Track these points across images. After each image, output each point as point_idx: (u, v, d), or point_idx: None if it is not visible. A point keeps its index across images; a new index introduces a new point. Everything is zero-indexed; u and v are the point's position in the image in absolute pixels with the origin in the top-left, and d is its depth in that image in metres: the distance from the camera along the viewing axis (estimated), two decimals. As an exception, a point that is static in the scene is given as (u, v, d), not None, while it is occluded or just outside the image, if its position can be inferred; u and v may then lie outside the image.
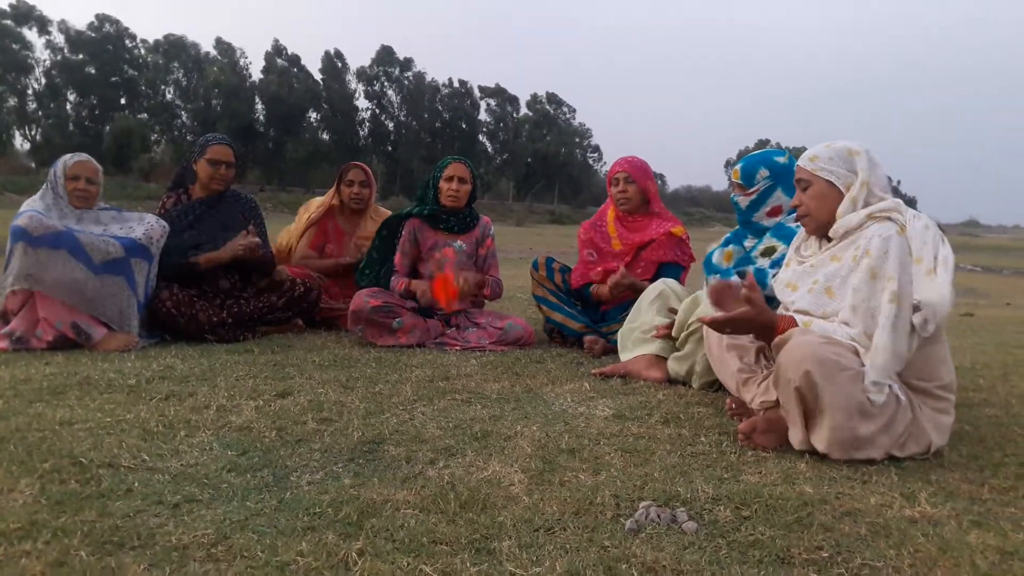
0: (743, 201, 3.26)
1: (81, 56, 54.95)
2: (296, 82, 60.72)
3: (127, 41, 57.11)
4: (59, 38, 54.84)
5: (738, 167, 3.28)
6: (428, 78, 68.11)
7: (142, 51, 57.67)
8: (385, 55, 65.48)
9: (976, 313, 7.71)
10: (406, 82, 66.19)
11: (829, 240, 2.42)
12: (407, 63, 66.55)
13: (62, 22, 55.46)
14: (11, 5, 52.15)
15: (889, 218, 2.27)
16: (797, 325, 2.28)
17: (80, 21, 58.76)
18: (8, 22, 51.74)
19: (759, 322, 2.32)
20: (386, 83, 65.98)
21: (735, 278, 2.94)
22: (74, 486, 1.83)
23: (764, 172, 3.22)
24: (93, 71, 54.65)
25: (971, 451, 2.36)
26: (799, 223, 2.55)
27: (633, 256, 4.02)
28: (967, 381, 3.47)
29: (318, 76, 63.27)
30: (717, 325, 2.36)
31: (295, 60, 62.42)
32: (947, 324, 2.29)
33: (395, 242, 4.21)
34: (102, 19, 56.19)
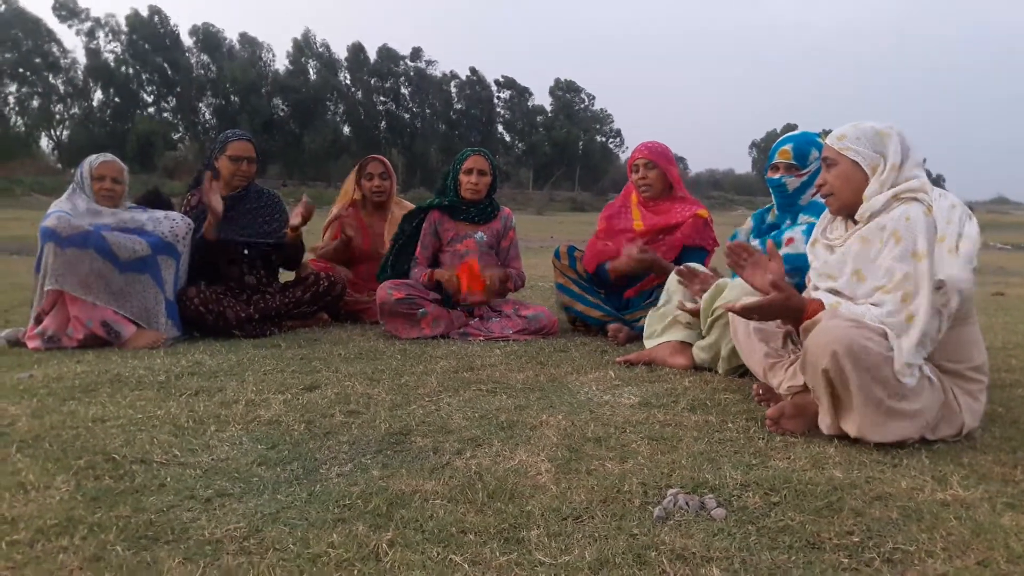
0: (793, 183, 3.18)
1: (116, 49, 55.60)
2: (316, 75, 61.07)
3: (167, 37, 57.57)
4: (100, 33, 55.46)
5: (788, 147, 3.18)
6: (439, 69, 68.32)
7: (185, 41, 58.19)
8: (388, 51, 65.65)
9: (1007, 292, 7.59)
10: (416, 74, 66.34)
11: (855, 223, 2.39)
12: (415, 53, 66.63)
13: (110, 15, 56.07)
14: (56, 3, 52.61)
15: (916, 198, 2.23)
16: (825, 308, 2.26)
17: (127, 12, 59.09)
18: (38, 14, 52.23)
19: (788, 307, 2.28)
20: (397, 77, 66.13)
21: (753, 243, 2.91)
22: (108, 482, 1.86)
23: (815, 153, 3.15)
24: (127, 64, 55.16)
25: (1004, 432, 2.33)
26: (825, 202, 2.50)
27: (653, 239, 3.98)
28: (999, 361, 3.42)
29: (338, 69, 63.61)
30: (745, 312, 2.33)
31: (318, 54, 62.74)
32: (978, 304, 2.25)
33: (417, 236, 4.22)
34: (153, 10, 56.62)
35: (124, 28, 55.67)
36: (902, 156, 2.28)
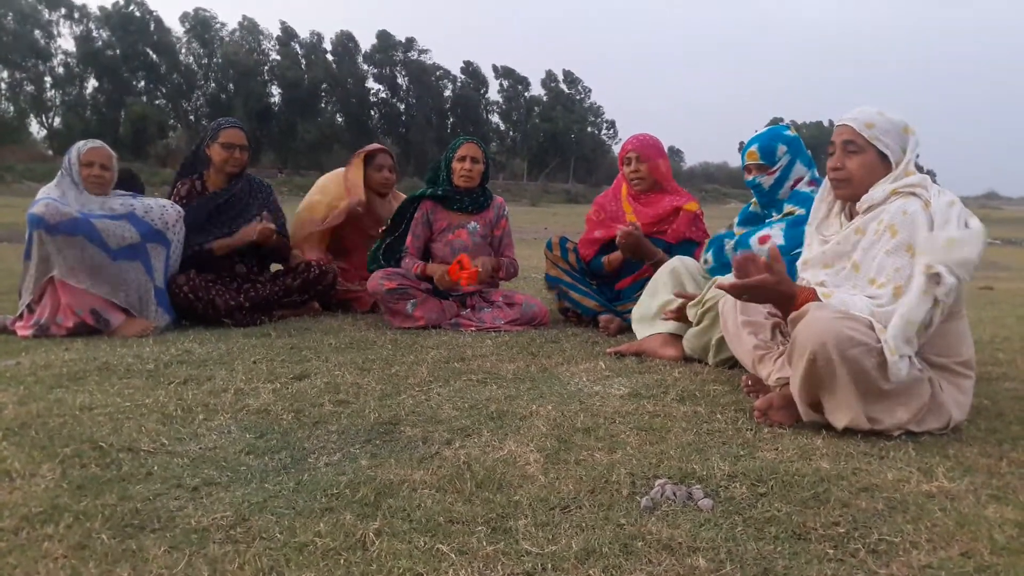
0: (767, 181, 3.21)
1: (104, 36, 55.06)
2: (308, 65, 60.83)
3: (151, 24, 57.09)
4: (83, 20, 54.99)
5: (754, 148, 3.21)
6: (433, 59, 68.22)
7: (172, 29, 57.82)
8: (386, 38, 65.41)
9: (996, 286, 7.62)
10: (411, 63, 66.21)
11: (849, 216, 2.39)
12: (408, 43, 66.43)
13: (83, 6, 55.49)
14: None
15: (913, 193, 2.24)
16: (817, 295, 2.25)
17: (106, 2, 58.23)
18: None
19: (778, 291, 2.28)
20: (393, 66, 65.96)
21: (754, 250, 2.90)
22: (95, 470, 1.85)
23: (783, 147, 3.19)
24: (116, 52, 54.73)
25: (990, 425, 2.35)
26: (833, 185, 2.46)
27: (648, 230, 3.99)
28: (986, 355, 3.43)
29: (330, 58, 63.40)
30: (735, 291, 2.33)
31: (309, 43, 62.51)
32: (966, 299, 2.26)
33: (409, 225, 4.21)
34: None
35: (98, 14, 55.31)
36: (912, 155, 2.29)
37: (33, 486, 1.75)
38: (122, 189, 3.90)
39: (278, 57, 60.92)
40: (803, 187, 3.20)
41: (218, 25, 60.26)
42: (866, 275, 2.24)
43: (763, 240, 3.17)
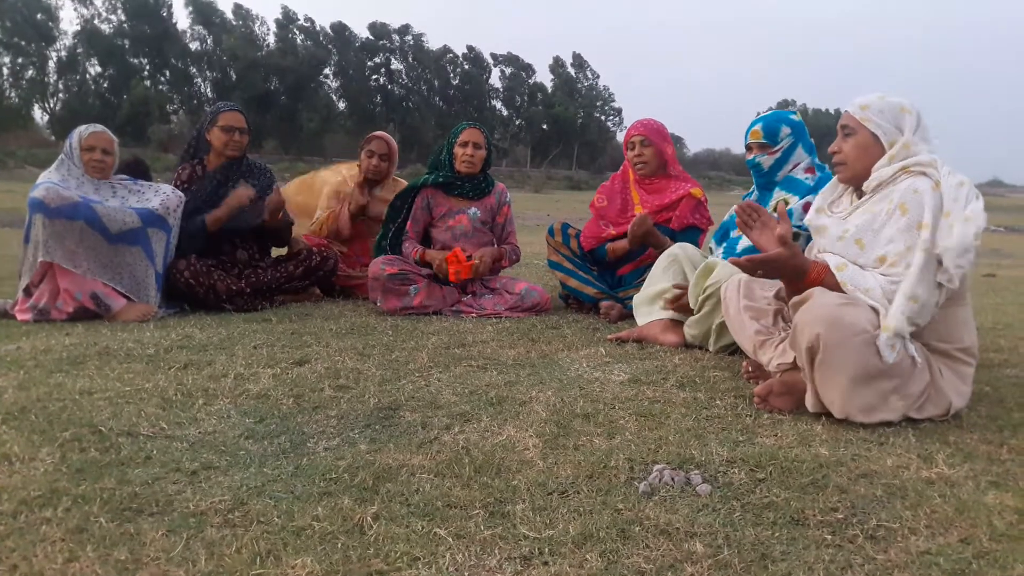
0: (767, 161, 3.22)
1: (110, 19, 54.95)
2: (305, 51, 60.61)
3: (163, 8, 56.88)
4: (89, 3, 54.76)
5: (758, 127, 3.23)
6: (433, 45, 67.94)
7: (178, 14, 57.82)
8: (381, 27, 65.21)
9: (998, 273, 7.60)
10: (409, 48, 66.01)
11: (860, 196, 2.38)
12: (404, 29, 66.15)
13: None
14: None
15: (924, 172, 2.22)
16: (830, 270, 2.23)
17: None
18: None
19: (791, 265, 2.26)
20: (391, 53, 65.78)
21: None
22: (94, 454, 1.86)
23: (787, 129, 3.21)
24: (125, 42, 54.55)
25: (990, 412, 2.34)
26: (833, 170, 2.48)
27: (657, 218, 3.98)
28: (988, 342, 3.43)
29: (329, 45, 63.20)
30: (750, 266, 2.31)
31: (310, 30, 62.31)
32: (971, 286, 2.24)
33: (410, 212, 4.19)
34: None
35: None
36: (915, 134, 2.28)
37: (32, 470, 1.75)
38: (129, 176, 3.91)
39: (272, 44, 60.70)
40: (799, 172, 3.22)
41: (221, 12, 60.04)
42: (872, 253, 2.22)
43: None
